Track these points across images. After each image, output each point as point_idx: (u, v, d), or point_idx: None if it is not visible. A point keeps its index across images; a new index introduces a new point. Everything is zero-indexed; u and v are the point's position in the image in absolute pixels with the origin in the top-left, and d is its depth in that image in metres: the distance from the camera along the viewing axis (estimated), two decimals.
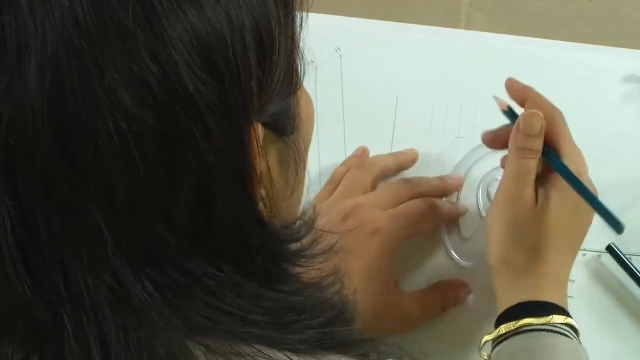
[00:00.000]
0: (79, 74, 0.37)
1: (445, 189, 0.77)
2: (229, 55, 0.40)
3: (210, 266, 0.43)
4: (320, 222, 0.59)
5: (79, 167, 0.38)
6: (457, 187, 0.77)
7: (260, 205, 0.45)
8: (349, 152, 0.80)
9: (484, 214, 0.76)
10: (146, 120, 0.38)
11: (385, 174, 0.78)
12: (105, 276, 0.40)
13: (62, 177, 0.38)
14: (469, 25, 0.84)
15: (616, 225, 0.65)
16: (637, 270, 0.74)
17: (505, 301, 0.66)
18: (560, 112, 0.69)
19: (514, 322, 0.64)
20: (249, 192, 0.43)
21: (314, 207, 0.52)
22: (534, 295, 0.65)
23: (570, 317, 0.65)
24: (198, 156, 0.40)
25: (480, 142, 0.74)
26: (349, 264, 0.68)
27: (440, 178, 0.77)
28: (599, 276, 0.75)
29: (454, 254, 0.76)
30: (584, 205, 0.66)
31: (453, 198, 0.78)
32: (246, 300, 0.44)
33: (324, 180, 0.79)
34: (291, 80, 0.46)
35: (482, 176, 0.78)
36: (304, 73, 0.48)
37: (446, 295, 0.74)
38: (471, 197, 0.77)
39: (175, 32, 0.38)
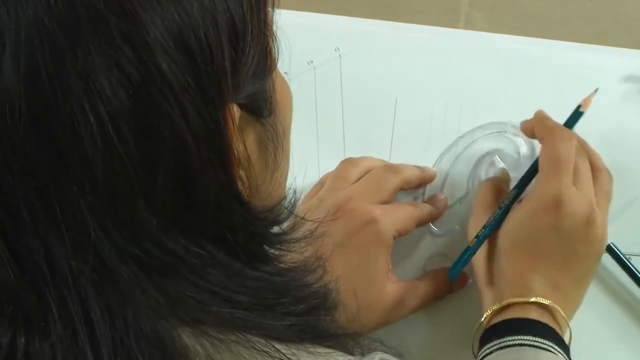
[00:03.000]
0: (53, 58, 0.38)
1: (424, 177, 0.77)
2: (200, 36, 0.40)
3: (192, 244, 0.43)
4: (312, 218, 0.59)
5: (58, 150, 0.39)
6: (433, 179, 0.77)
7: (240, 185, 0.45)
8: (349, 153, 0.80)
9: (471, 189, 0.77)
10: (122, 101, 0.39)
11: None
12: (88, 256, 0.40)
13: (42, 160, 0.39)
14: (469, 25, 0.84)
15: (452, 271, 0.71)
16: (637, 270, 0.73)
17: (490, 320, 0.66)
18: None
19: (496, 336, 0.63)
20: (228, 172, 0.44)
21: (294, 191, 0.52)
22: (518, 313, 0.65)
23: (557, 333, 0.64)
24: (175, 136, 0.40)
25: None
26: (346, 257, 0.68)
27: (419, 167, 0.77)
28: (599, 276, 0.74)
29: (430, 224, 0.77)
30: (567, 223, 0.66)
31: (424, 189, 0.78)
32: (230, 279, 0.45)
33: None
34: (265, 62, 0.47)
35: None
36: (278, 56, 0.48)
37: (440, 284, 0.73)
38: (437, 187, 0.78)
39: (147, 15, 0.39)
